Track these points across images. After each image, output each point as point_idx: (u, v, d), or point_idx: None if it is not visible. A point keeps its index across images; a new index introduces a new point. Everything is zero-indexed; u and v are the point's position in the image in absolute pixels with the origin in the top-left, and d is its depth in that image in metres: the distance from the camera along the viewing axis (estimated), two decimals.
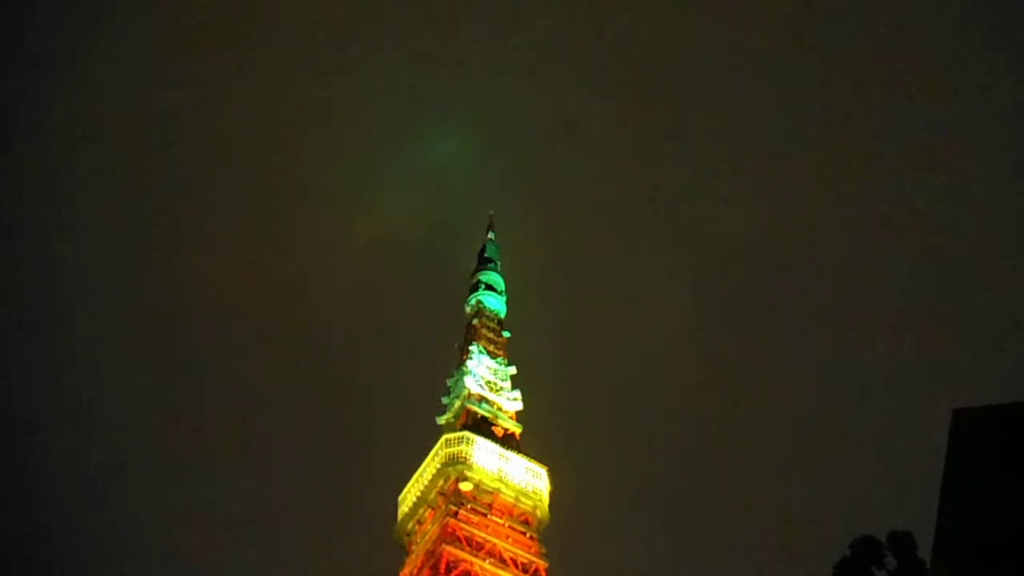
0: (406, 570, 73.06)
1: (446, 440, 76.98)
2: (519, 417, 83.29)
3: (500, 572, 70.10)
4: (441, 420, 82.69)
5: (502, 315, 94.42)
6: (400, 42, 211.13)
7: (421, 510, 76.00)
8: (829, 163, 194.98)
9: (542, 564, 72.84)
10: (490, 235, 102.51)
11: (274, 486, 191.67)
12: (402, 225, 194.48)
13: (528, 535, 74.43)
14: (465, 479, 74.61)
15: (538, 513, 75.84)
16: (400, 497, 77.96)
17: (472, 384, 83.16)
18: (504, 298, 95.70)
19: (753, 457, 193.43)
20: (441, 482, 75.39)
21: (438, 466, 76.00)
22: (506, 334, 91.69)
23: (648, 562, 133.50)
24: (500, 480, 75.43)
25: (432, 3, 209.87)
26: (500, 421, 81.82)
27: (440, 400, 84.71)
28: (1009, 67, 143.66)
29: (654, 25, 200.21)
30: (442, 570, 68.20)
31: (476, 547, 70.66)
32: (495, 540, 71.90)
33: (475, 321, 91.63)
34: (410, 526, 75.94)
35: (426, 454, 78.20)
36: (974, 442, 16.23)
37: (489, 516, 73.78)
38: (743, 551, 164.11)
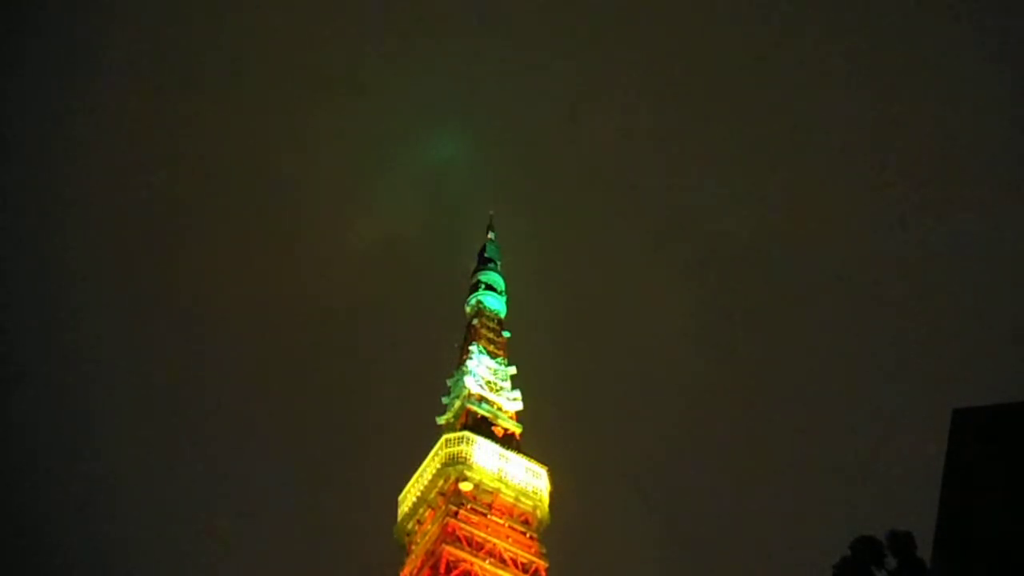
0: (406, 570, 73.03)
1: (446, 440, 76.96)
2: (519, 417, 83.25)
3: (500, 572, 70.04)
4: (441, 420, 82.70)
5: (502, 315, 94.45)
6: (400, 42, 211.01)
7: (421, 510, 75.98)
8: (829, 162, 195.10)
9: (542, 564, 72.77)
10: (490, 235, 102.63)
11: (274, 485, 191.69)
12: (402, 225, 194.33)
13: (528, 535, 74.38)
14: (465, 479, 74.57)
15: (538, 513, 75.78)
16: (400, 497, 77.95)
17: (472, 384, 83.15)
18: (504, 298, 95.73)
19: (753, 457, 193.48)
20: (441, 482, 75.37)
21: (438, 466, 75.98)
22: (506, 334, 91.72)
23: (648, 562, 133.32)
24: (500, 480, 75.39)
25: (432, 4, 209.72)
26: (500, 421, 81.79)
27: (440, 400, 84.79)
28: (1011, 66, 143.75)
29: (653, 25, 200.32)
30: (442, 570, 68.16)
31: (476, 547, 70.61)
32: (495, 540, 71.84)
33: (475, 321, 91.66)
34: (410, 526, 75.92)
35: (426, 454, 78.20)
36: (974, 442, 16.20)
37: (489, 516, 73.73)
38: (743, 551, 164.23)
